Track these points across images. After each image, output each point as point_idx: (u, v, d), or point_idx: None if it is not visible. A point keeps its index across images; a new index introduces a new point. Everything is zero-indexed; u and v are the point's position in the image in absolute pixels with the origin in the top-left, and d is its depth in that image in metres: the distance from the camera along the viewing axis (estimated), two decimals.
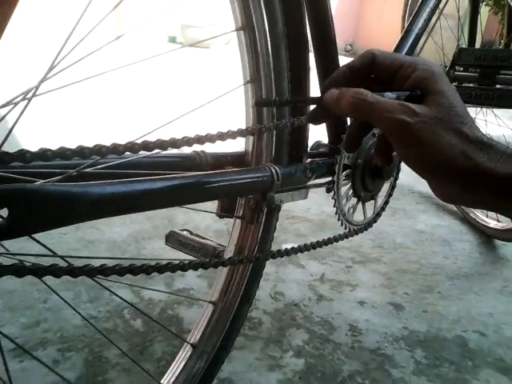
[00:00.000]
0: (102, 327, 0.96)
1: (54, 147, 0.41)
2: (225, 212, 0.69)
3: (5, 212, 0.38)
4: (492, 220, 1.52)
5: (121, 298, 0.65)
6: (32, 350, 0.88)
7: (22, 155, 0.39)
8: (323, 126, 0.80)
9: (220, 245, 0.76)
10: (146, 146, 0.47)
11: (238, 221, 0.70)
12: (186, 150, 0.65)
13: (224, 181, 0.56)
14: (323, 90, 0.44)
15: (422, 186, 1.96)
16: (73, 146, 0.42)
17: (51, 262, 0.43)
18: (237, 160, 0.68)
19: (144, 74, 3.79)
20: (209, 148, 0.65)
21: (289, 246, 0.70)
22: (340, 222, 0.81)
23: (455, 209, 1.72)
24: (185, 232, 0.81)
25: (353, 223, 0.79)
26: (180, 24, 6.11)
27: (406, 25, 1.64)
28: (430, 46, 1.00)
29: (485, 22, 1.38)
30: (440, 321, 1.11)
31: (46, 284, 0.55)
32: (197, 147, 0.55)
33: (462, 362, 0.98)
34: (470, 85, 0.90)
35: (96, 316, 0.99)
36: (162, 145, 0.46)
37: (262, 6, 0.58)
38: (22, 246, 0.57)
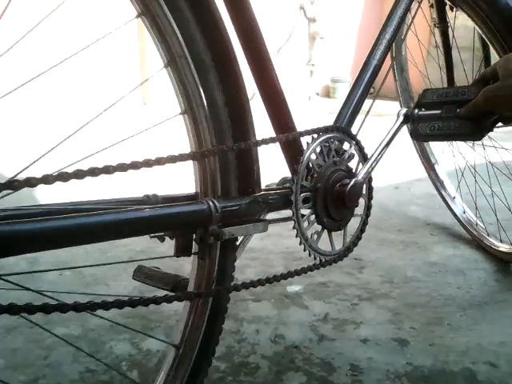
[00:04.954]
0: (99, 380, 0.97)
1: None
2: (181, 252, 0.71)
3: None
4: (507, 245, 1.46)
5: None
6: None
7: None
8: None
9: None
10: (92, 171, 0.50)
11: (195, 257, 0.72)
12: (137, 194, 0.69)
13: (160, 215, 0.59)
14: None
15: (438, 217, 1.92)
16: None
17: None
18: (189, 200, 0.71)
19: None
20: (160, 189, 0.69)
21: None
22: (307, 251, 0.80)
23: (470, 237, 1.66)
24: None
25: (320, 252, 0.79)
26: None
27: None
28: None
29: None
30: (447, 353, 1.05)
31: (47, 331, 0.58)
32: (145, 171, 0.58)
33: None
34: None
35: (94, 369, 1.00)
36: (107, 169, 0.49)
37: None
38: None
